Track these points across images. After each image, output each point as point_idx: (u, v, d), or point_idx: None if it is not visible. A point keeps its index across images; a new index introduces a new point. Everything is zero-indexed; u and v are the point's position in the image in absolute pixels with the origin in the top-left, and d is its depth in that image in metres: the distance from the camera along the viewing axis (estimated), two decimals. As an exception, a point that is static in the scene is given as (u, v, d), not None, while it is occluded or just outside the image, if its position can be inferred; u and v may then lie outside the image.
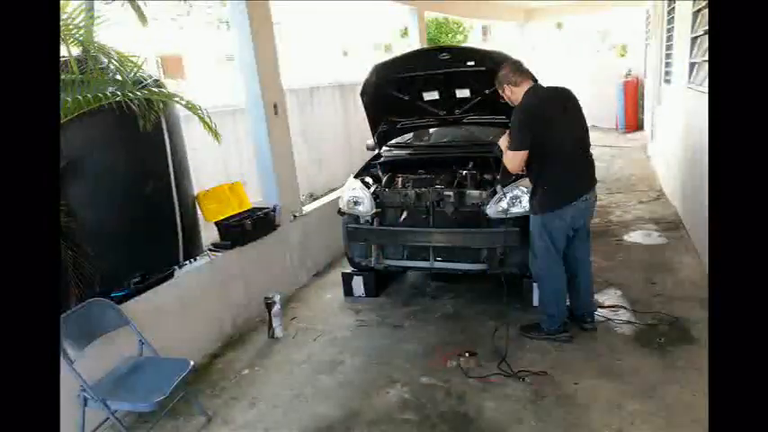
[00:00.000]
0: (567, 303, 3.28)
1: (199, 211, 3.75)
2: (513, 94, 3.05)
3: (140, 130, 2.93)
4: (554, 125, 2.95)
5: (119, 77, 2.96)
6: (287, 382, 3.07)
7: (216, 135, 3.23)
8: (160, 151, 3.24)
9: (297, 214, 4.47)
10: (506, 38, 13.40)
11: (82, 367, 2.41)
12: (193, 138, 3.82)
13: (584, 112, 3.17)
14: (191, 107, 3.21)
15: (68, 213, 2.79)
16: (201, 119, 3.21)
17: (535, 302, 3.62)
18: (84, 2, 3.08)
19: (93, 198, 3.02)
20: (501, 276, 3.59)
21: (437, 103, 4.03)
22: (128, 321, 2.71)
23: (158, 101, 3.02)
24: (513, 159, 2.99)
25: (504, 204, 3.43)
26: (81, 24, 2.84)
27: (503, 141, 3.08)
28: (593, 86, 11.61)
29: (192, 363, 2.61)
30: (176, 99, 3.19)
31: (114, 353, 2.71)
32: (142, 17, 3.26)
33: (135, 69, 3.06)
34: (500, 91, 3.15)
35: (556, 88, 3.13)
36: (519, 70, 3.05)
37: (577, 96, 3.12)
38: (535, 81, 3.14)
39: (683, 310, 3.43)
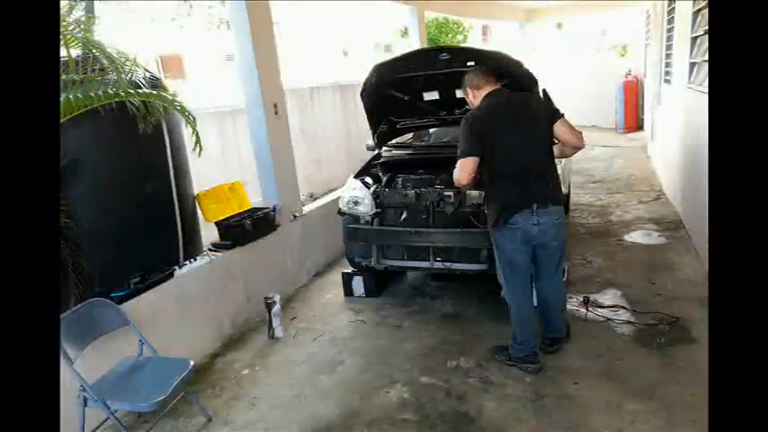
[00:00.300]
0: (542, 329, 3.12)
1: (199, 211, 3.75)
2: (474, 98, 2.91)
3: (140, 132, 2.92)
4: (502, 137, 2.74)
5: (119, 76, 2.96)
6: (287, 382, 3.07)
7: (198, 144, 3.08)
8: (160, 151, 3.24)
9: (297, 214, 4.47)
10: (506, 38, 13.40)
11: (82, 367, 2.42)
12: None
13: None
14: (182, 112, 3.15)
15: (68, 213, 2.79)
16: (191, 126, 3.09)
17: (535, 303, 3.62)
18: (85, 1, 3.08)
19: (93, 198, 3.02)
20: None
21: (437, 103, 4.02)
22: (128, 321, 2.71)
23: (158, 105, 3.01)
24: (460, 167, 2.76)
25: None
26: (81, 23, 2.84)
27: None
28: (593, 86, 11.63)
29: (192, 363, 2.62)
30: (176, 103, 3.16)
31: (114, 353, 2.71)
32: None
33: (135, 70, 3.06)
34: (464, 95, 3.02)
35: (513, 96, 2.93)
36: (484, 75, 2.89)
37: (549, 104, 2.91)
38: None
39: (683, 310, 3.43)
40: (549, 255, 2.91)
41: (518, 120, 2.79)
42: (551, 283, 3.03)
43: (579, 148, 2.88)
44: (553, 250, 2.89)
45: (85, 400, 2.39)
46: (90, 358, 2.54)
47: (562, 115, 2.81)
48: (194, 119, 3.08)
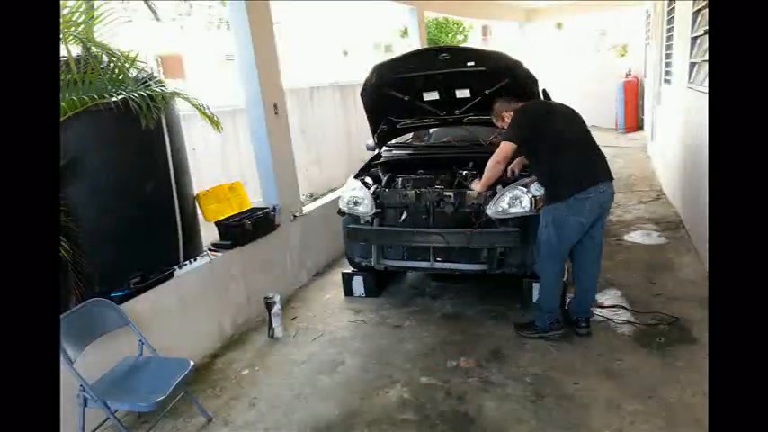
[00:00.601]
0: (567, 301, 3.33)
1: (199, 211, 3.75)
2: (509, 116, 3.21)
3: (142, 129, 2.93)
4: (557, 121, 3.08)
5: (120, 75, 2.97)
6: (287, 382, 3.07)
7: (216, 124, 3.31)
8: (160, 151, 3.24)
9: (297, 214, 4.47)
10: (506, 38, 13.40)
11: (82, 367, 2.40)
12: (193, 138, 3.82)
13: (583, 112, 3.23)
14: (191, 101, 3.25)
15: (68, 213, 2.79)
16: (200, 110, 3.26)
17: (535, 298, 3.63)
18: (85, 1, 3.08)
19: (92, 198, 3.02)
20: (500, 276, 3.60)
21: (437, 103, 4.02)
22: (128, 321, 2.71)
23: (160, 99, 3.03)
24: (500, 150, 3.11)
25: (504, 204, 3.43)
26: (80, 21, 2.84)
27: (477, 186, 3.40)
28: (592, 86, 11.62)
29: (191, 363, 2.62)
30: (180, 95, 3.22)
31: (114, 353, 2.71)
32: (155, 14, 3.29)
33: (136, 68, 3.07)
34: (497, 122, 3.36)
35: (542, 103, 3.32)
36: (510, 99, 3.28)
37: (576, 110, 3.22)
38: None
39: (683, 310, 3.43)
40: (598, 226, 3.14)
41: (570, 115, 3.17)
42: (593, 251, 3.26)
43: None
44: (602, 223, 3.16)
45: (85, 399, 2.39)
46: (90, 358, 2.53)
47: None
48: (207, 109, 3.19)
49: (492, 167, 3.21)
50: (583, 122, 3.18)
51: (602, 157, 3.13)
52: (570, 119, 3.14)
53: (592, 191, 2.96)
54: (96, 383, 2.47)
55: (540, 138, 3.05)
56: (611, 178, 3.08)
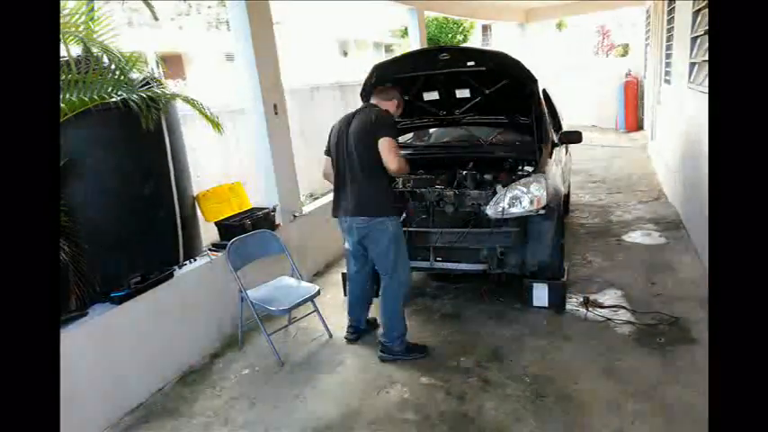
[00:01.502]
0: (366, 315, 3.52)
1: (199, 211, 3.75)
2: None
3: (142, 129, 2.93)
4: (337, 144, 3.08)
5: (121, 76, 2.97)
6: (287, 382, 3.07)
7: (217, 126, 3.33)
8: (160, 151, 3.24)
9: (297, 214, 4.47)
10: (506, 38, 13.40)
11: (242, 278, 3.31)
12: (193, 138, 3.82)
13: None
14: (191, 102, 3.26)
15: (68, 213, 2.79)
16: (201, 112, 3.28)
17: (535, 303, 3.63)
18: (85, 0, 3.08)
19: (93, 198, 3.02)
20: (501, 276, 3.60)
21: (437, 103, 4.03)
22: (284, 249, 3.62)
23: (160, 99, 3.03)
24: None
25: (503, 204, 3.43)
26: (80, 22, 2.84)
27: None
28: (593, 86, 11.63)
29: (317, 288, 3.42)
30: (180, 97, 3.23)
31: (269, 272, 3.61)
32: (154, 15, 3.30)
33: (137, 68, 3.07)
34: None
35: (359, 110, 3.12)
36: (382, 90, 3.23)
37: (379, 124, 2.98)
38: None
39: (683, 310, 3.43)
40: (373, 252, 3.16)
41: (349, 134, 3.03)
42: (382, 280, 3.23)
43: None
44: (372, 253, 3.17)
45: (242, 299, 3.33)
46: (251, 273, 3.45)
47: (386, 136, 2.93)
48: (208, 110, 3.29)
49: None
50: (362, 142, 2.96)
51: (356, 190, 3.01)
52: (349, 142, 3.01)
53: (337, 218, 3.18)
54: (252, 290, 3.38)
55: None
56: (357, 213, 3.02)
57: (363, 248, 3.18)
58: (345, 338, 3.47)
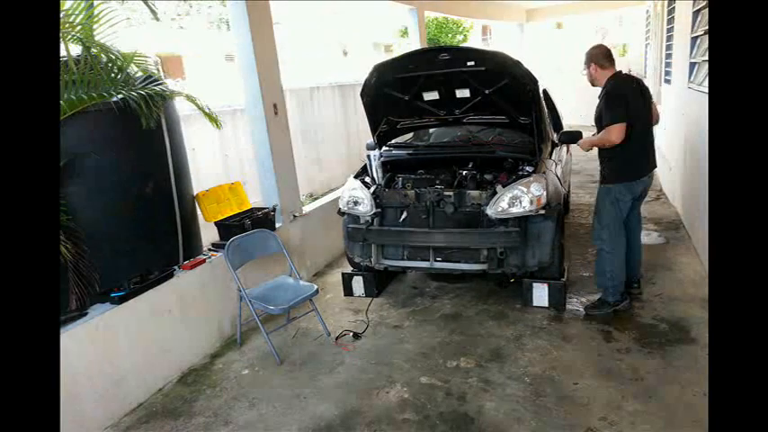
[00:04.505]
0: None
1: (199, 211, 3.74)
2: (597, 74, 3.32)
3: (142, 129, 2.93)
4: (637, 108, 3.21)
5: (119, 75, 2.97)
6: (287, 382, 3.07)
7: (215, 122, 3.36)
8: (160, 151, 3.24)
9: (297, 214, 4.47)
10: (506, 38, 13.39)
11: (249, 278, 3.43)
12: (193, 138, 3.82)
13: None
14: (191, 99, 3.27)
15: (68, 213, 2.79)
16: (200, 108, 3.29)
17: (535, 303, 3.63)
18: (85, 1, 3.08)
19: (93, 198, 3.02)
20: (501, 275, 3.61)
21: (437, 103, 4.02)
22: (282, 248, 3.63)
23: (159, 99, 3.03)
24: (618, 131, 3.14)
25: (503, 204, 3.43)
26: (80, 22, 2.84)
27: (585, 143, 3.51)
28: (593, 87, 11.61)
29: (315, 287, 3.45)
30: (179, 94, 3.23)
31: (268, 271, 3.68)
32: (154, 14, 3.30)
33: (138, 65, 3.07)
34: (585, 66, 3.40)
35: (633, 78, 3.41)
36: (608, 57, 3.32)
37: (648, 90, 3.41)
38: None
39: (683, 310, 3.43)
40: (639, 204, 3.54)
41: (644, 96, 3.33)
42: (638, 218, 3.63)
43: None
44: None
45: (241, 298, 3.36)
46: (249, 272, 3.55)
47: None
48: (207, 108, 3.33)
49: (604, 144, 3.29)
50: (649, 103, 3.39)
51: (654, 145, 3.49)
52: (644, 104, 3.32)
53: (643, 179, 3.33)
54: (252, 288, 3.43)
55: (635, 118, 3.18)
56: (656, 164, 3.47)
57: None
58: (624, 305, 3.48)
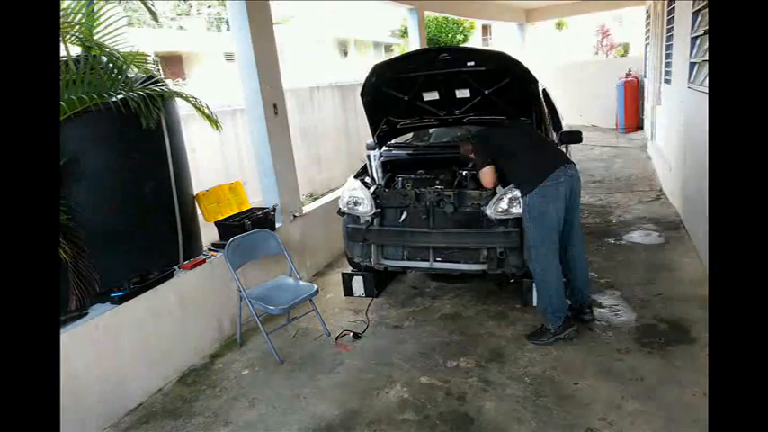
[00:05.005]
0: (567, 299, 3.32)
1: (199, 211, 3.74)
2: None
3: (142, 129, 2.93)
4: (507, 137, 3.40)
5: (119, 75, 2.97)
6: (287, 382, 3.07)
7: (215, 123, 3.36)
8: (160, 151, 3.24)
9: (297, 214, 4.47)
10: (506, 38, 13.40)
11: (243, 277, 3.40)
12: (193, 138, 3.83)
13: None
14: (191, 101, 3.27)
15: (68, 213, 2.79)
16: (199, 109, 3.29)
17: (535, 303, 3.62)
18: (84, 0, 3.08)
19: (92, 198, 3.01)
20: (501, 276, 3.60)
21: (437, 103, 4.02)
22: (282, 248, 3.63)
23: (159, 99, 3.04)
24: (485, 175, 3.37)
25: (503, 205, 3.43)
26: (80, 22, 2.84)
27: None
28: (593, 86, 11.63)
29: (315, 287, 3.45)
30: (179, 94, 3.23)
31: (268, 272, 3.73)
32: (153, 15, 3.31)
33: (138, 66, 3.08)
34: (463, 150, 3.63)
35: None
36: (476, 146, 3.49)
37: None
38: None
39: (683, 310, 3.43)
40: (574, 210, 3.23)
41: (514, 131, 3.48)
42: (577, 240, 3.33)
43: None
44: (575, 211, 3.25)
45: (241, 298, 3.36)
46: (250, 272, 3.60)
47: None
48: (206, 107, 3.34)
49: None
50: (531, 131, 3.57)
51: (552, 144, 3.47)
52: (519, 133, 3.46)
53: (559, 175, 3.10)
54: (251, 288, 3.44)
55: (499, 151, 3.33)
56: (568, 161, 3.24)
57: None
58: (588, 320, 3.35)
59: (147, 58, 3.28)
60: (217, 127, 3.43)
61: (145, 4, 3.24)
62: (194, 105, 3.34)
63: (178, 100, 3.40)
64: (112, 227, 3.07)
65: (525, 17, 12.24)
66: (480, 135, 3.55)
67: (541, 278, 3.19)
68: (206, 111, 3.37)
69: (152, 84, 3.10)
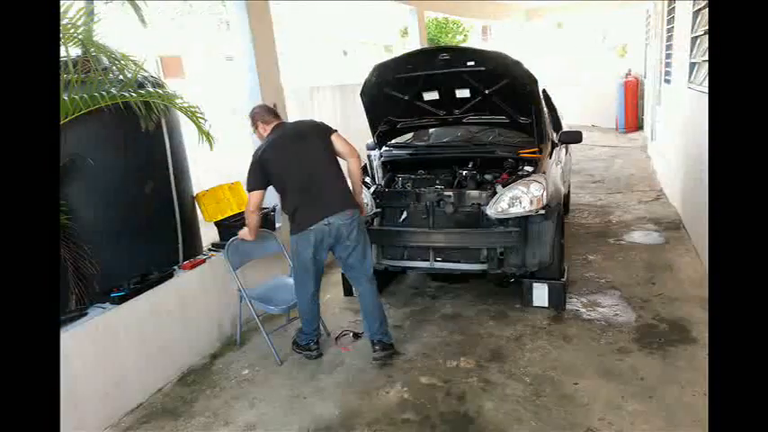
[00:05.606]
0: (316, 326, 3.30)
1: (199, 211, 3.74)
2: (264, 131, 3.13)
3: (142, 131, 2.94)
4: (285, 163, 3.00)
5: (120, 78, 2.97)
6: (287, 382, 3.07)
7: (209, 138, 3.32)
8: (160, 151, 3.24)
9: (297, 214, 4.46)
10: (506, 38, 13.39)
11: (242, 277, 3.38)
12: (193, 138, 3.82)
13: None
14: (185, 111, 3.25)
15: (68, 213, 2.79)
16: (196, 123, 3.27)
17: (535, 303, 3.63)
18: (85, 2, 3.08)
19: (92, 198, 3.02)
20: (501, 276, 3.61)
21: (437, 103, 4.02)
22: (281, 248, 3.62)
23: (159, 104, 3.04)
24: (249, 199, 3.11)
25: (503, 204, 3.43)
26: (81, 23, 2.84)
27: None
28: (593, 86, 11.63)
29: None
30: (177, 102, 3.22)
31: (268, 272, 3.71)
32: (142, 19, 3.29)
33: (136, 70, 3.07)
34: (253, 129, 3.21)
35: (294, 124, 3.28)
36: (269, 112, 3.19)
37: (321, 126, 3.15)
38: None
39: (683, 310, 3.43)
40: (348, 253, 3.10)
41: (300, 143, 3.05)
42: (359, 275, 3.20)
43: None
44: (350, 249, 3.08)
45: (241, 298, 3.36)
46: (250, 272, 3.55)
47: (335, 131, 3.15)
48: (202, 117, 3.30)
49: (248, 217, 3.20)
50: (315, 145, 3.05)
51: (329, 189, 3.03)
52: (299, 153, 3.02)
53: (313, 227, 2.96)
54: (251, 289, 3.43)
55: (275, 180, 3.05)
56: (339, 210, 2.98)
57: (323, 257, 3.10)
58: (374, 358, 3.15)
59: (147, 60, 3.27)
60: (210, 142, 3.36)
61: (135, 10, 3.22)
62: (194, 122, 3.28)
63: (177, 100, 3.38)
64: (112, 227, 3.07)
65: (525, 17, 12.23)
66: (259, 151, 3.07)
67: (297, 299, 3.24)
68: (201, 123, 3.31)
69: (150, 86, 3.10)
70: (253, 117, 3.18)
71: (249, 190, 3.08)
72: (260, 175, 3.02)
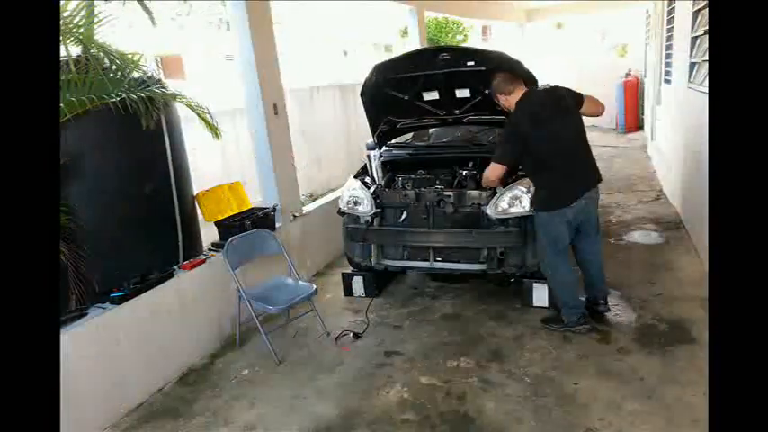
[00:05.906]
0: (583, 297, 3.37)
1: (199, 211, 3.74)
2: (508, 102, 3.14)
3: (142, 129, 2.93)
4: (547, 130, 2.97)
5: (120, 77, 2.97)
6: (287, 382, 3.07)
7: (216, 132, 3.33)
8: (160, 151, 3.24)
9: (297, 214, 4.47)
10: (506, 38, 13.39)
11: (242, 277, 3.40)
12: (193, 138, 3.82)
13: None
14: (192, 106, 3.27)
15: (68, 213, 2.79)
16: (202, 117, 3.29)
17: (535, 303, 3.62)
18: (85, 1, 3.08)
19: (92, 198, 3.01)
20: (501, 276, 3.61)
21: (437, 103, 4.02)
22: (281, 248, 3.63)
23: (160, 100, 3.04)
24: (493, 171, 3.10)
25: (504, 204, 3.43)
26: (81, 23, 2.84)
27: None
28: (592, 86, 11.60)
29: (314, 287, 3.47)
30: (179, 99, 3.23)
31: (269, 272, 3.70)
32: (152, 20, 3.29)
33: (136, 69, 3.08)
34: (495, 100, 3.24)
35: (547, 90, 3.24)
36: (510, 79, 3.13)
37: (571, 91, 3.16)
38: (531, 84, 3.24)
39: (683, 310, 3.43)
40: (588, 221, 3.21)
41: (560, 110, 3.04)
42: (592, 243, 3.33)
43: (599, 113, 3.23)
44: (591, 217, 3.22)
45: (240, 298, 3.35)
46: (250, 271, 3.61)
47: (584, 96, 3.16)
48: (207, 111, 3.35)
49: (488, 184, 3.27)
50: (573, 113, 3.07)
51: (588, 161, 3.16)
52: (561, 120, 3.01)
53: (572, 205, 3.04)
54: (251, 288, 3.43)
55: (532, 149, 3.00)
56: (595, 183, 3.15)
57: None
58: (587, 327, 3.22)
59: (147, 59, 3.27)
60: (217, 135, 3.42)
61: (144, 8, 3.22)
62: (198, 114, 3.33)
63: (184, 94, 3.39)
64: (112, 227, 3.07)
65: (525, 17, 12.22)
66: (511, 122, 3.09)
67: (551, 280, 3.33)
68: (207, 118, 3.36)
69: (152, 85, 3.10)
70: (493, 90, 3.16)
71: (498, 161, 3.04)
72: (518, 146, 2.99)
